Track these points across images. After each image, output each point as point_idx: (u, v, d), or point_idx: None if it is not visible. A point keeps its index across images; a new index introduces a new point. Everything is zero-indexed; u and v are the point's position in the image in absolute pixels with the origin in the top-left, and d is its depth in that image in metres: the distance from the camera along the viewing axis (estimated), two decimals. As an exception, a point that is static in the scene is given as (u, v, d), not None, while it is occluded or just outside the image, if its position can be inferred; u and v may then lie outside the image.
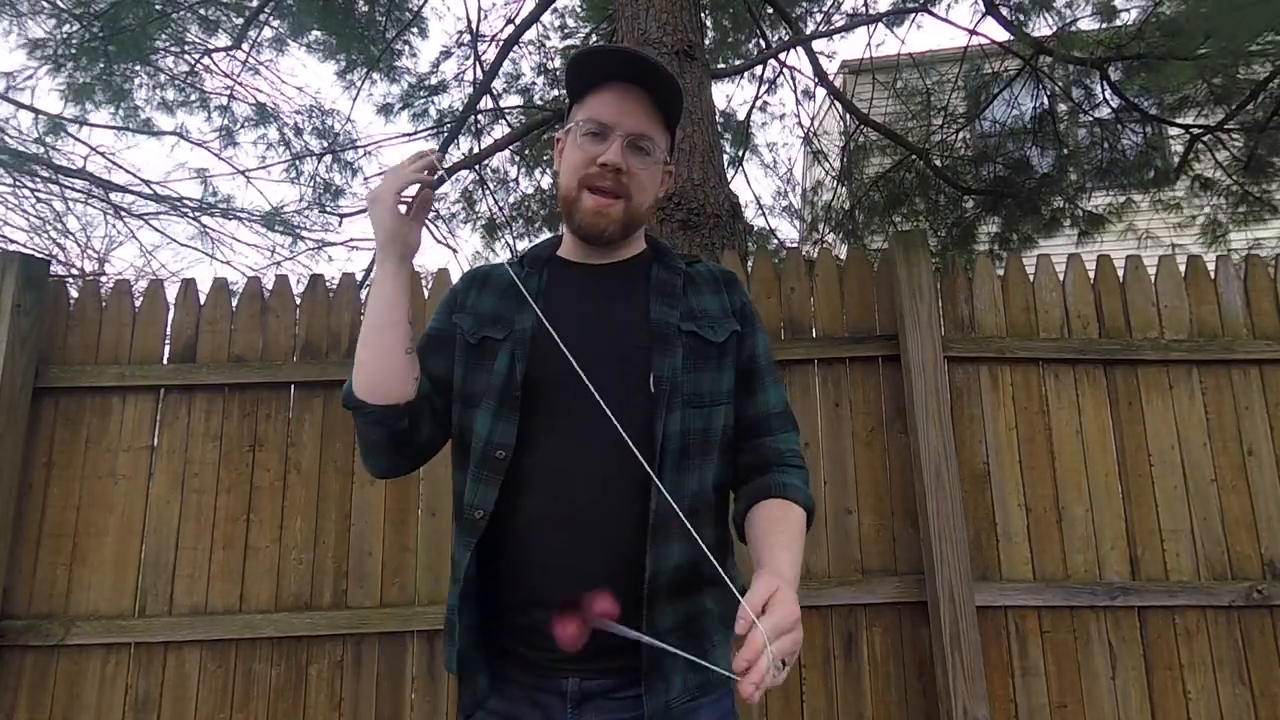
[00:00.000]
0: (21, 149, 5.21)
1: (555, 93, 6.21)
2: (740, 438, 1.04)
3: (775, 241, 6.88)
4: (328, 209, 6.02)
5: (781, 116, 9.23)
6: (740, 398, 1.05)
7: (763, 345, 1.09)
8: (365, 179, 6.12)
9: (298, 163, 5.90)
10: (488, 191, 6.45)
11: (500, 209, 6.51)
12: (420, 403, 1.01)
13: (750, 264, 2.37)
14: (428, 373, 1.04)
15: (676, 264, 1.09)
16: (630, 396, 0.94)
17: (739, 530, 1.02)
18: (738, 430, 1.04)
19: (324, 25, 5.56)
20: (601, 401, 0.89)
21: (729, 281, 1.10)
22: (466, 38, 6.00)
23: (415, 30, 5.90)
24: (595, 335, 0.99)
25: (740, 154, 6.74)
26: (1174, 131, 4.94)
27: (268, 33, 5.63)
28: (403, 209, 0.98)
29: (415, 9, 5.78)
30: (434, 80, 6.20)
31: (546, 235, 1.17)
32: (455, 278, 2.41)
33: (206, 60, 5.51)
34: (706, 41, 5.55)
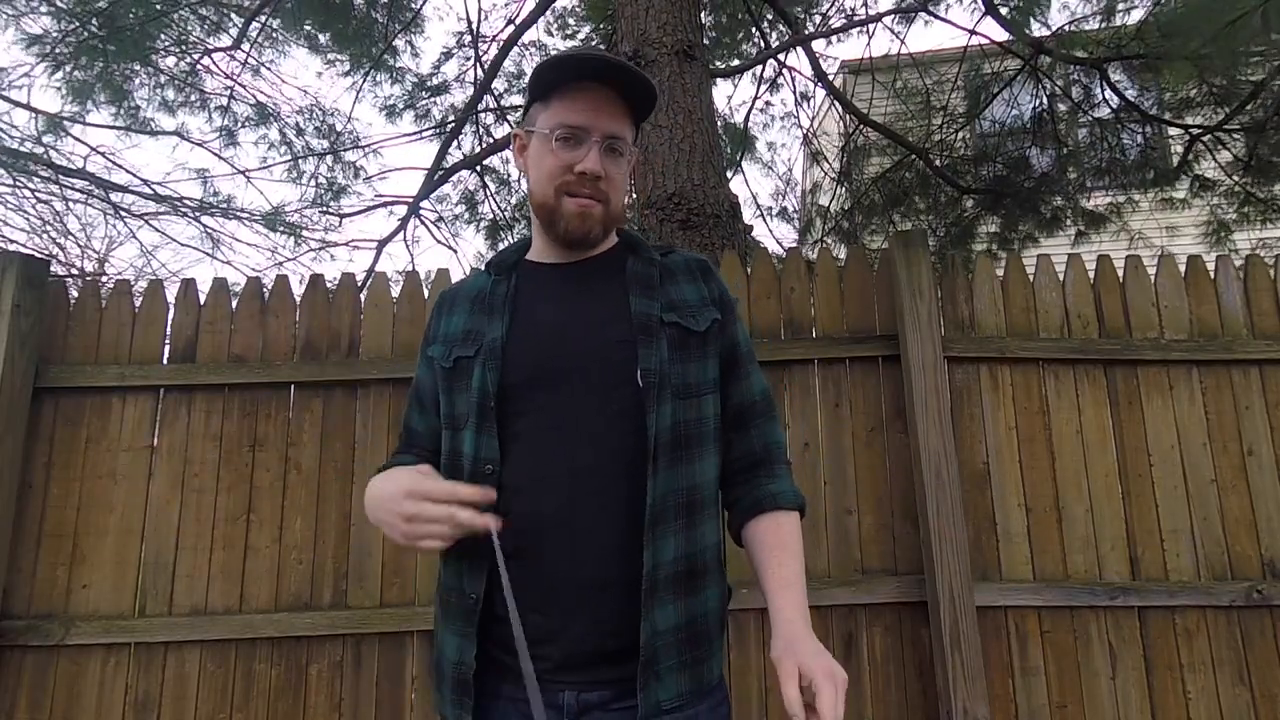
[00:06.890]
0: (21, 149, 5.20)
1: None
2: (727, 427, 1.04)
3: (776, 244, 6.88)
4: (329, 209, 6.02)
5: (781, 117, 9.21)
6: (726, 385, 1.04)
7: (742, 332, 1.09)
8: (367, 178, 6.13)
9: (299, 163, 5.90)
10: (489, 192, 6.46)
11: (501, 209, 6.51)
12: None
13: (750, 264, 2.37)
14: (413, 430, 1.07)
15: (651, 255, 1.07)
16: (615, 392, 0.93)
17: (735, 537, 1.03)
18: (724, 419, 1.04)
19: (324, 27, 5.56)
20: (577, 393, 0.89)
21: (704, 269, 1.09)
22: (468, 39, 6.02)
23: (415, 30, 5.91)
24: (573, 333, 0.97)
25: (739, 154, 6.73)
26: (1174, 131, 4.94)
27: (268, 32, 5.63)
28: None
29: (415, 9, 5.78)
30: (435, 81, 6.22)
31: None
32: (455, 278, 2.40)
33: (207, 60, 5.51)
34: (706, 41, 5.54)
